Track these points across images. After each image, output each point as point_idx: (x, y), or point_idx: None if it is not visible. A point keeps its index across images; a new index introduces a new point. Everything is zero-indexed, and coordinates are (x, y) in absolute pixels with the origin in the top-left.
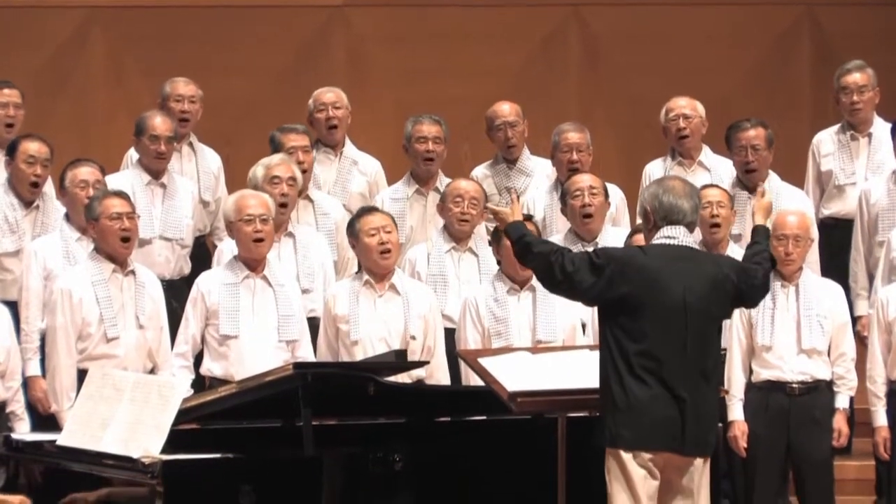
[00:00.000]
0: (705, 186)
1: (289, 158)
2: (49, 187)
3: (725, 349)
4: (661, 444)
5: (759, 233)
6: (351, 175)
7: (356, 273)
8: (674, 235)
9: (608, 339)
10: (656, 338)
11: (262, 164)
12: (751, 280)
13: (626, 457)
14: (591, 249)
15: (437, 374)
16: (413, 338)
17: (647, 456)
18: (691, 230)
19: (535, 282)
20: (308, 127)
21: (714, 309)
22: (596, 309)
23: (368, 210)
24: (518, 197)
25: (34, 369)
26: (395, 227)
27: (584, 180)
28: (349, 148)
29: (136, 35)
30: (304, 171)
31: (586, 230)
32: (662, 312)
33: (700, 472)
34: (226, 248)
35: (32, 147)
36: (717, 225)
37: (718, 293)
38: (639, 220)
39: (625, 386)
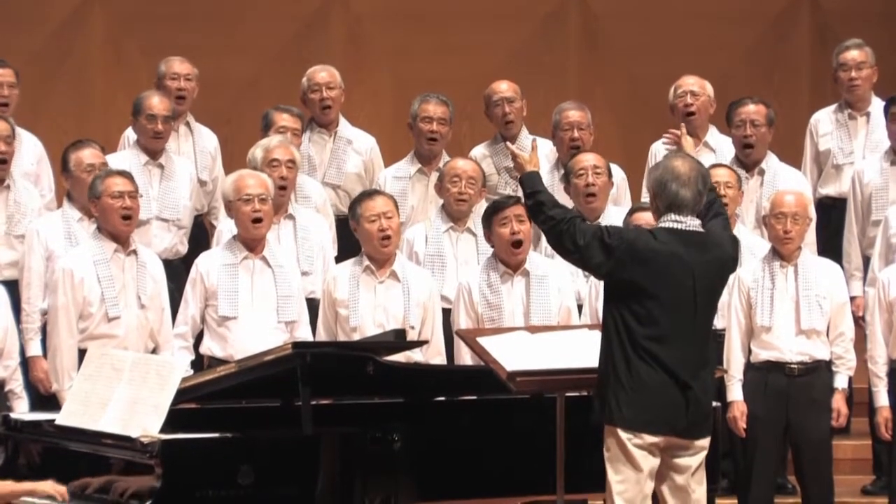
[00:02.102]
0: (713, 166)
1: (287, 140)
2: (27, 166)
3: (724, 329)
4: (663, 428)
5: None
6: (346, 155)
7: (358, 256)
8: (681, 220)
9: (615, 320)
10: (665, 324)
11: (260, 146)
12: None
13: (626, 437)
14: (603, 225)
15: (433, 361)
16: (412, 327)
17: (648, 439)
18: (697, 214)
19: (528, 265)
20: (301, 106)
21: (718, 293)
22: (593, 289)
23: (370, 194)
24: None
25: (35, 349)
26: (396, 211)
27: (588, 160)
28: (343, 127)
29: (136, 15)
30: None
31: (589, 210)
32: (673, 299)
33: (698, 453)
34: (225, 229)
35: None
36: (723, 204)
37: (723, 277)
38: (644, 199)
39: (631, 368)
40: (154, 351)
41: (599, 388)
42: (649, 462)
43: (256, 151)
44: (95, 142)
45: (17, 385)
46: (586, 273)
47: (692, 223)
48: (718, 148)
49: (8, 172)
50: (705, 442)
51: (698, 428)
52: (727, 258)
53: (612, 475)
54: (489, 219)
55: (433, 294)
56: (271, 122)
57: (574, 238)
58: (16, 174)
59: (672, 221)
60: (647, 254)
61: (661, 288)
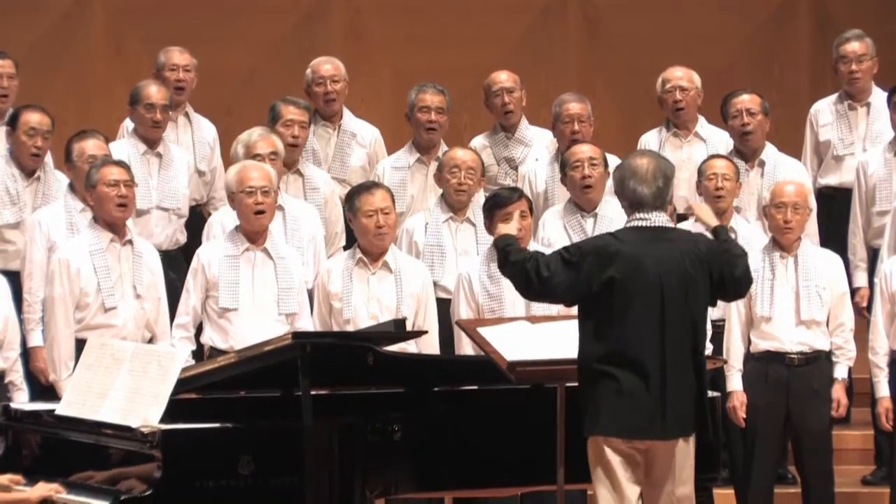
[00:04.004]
0: (712, 157)
1: (268, 132)
2: (50, 158)
3: (723, 320)
4: (641, 432)
5: (720, 232)
6: (350, 149)
7: (351, 249)
8: (646, 217)
9: (587, 326)
10: (634, 324)
11: (241, 141)
12: (731, 268)
13: (606, 444)
14: (562, 248)
15: (427, 352)
16: (405, 318)
17: (627, 444)
18: (664, 209)
19: None
20: (304, 98)
21: (692, 287)
22: None
23: (368, 188)
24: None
25: (37, 340)
26: (393, 206)
27: (584, 151)
28: (347, 120)
29: (136, 5)
30: (296, 146)
31: (586, 201)
32: (639, 298)
33: (683, 451)
34: (216, 221)
35: (34, 119)
36: (720, 197)
37: (696, 271)
38: None
39: (605, 374)
40: (151, 341)
41: (579, 400)
42: (631, 470)
43: (238, 147)
44: (100, 132)
45: (17, 376)
46: None
47: (658, 219)
48: (709, 138)
49: (41, 165)
50: (689, 439)
51: (678, 427)
52: (698, 252)
53: (597, 484)
54: (491, 212)
55: (427, 285)
56: (278, 114)
57: (539, 271)
58: (48, 167)
59: (636, 220)
60: (611, 257)
61: (628, 288)
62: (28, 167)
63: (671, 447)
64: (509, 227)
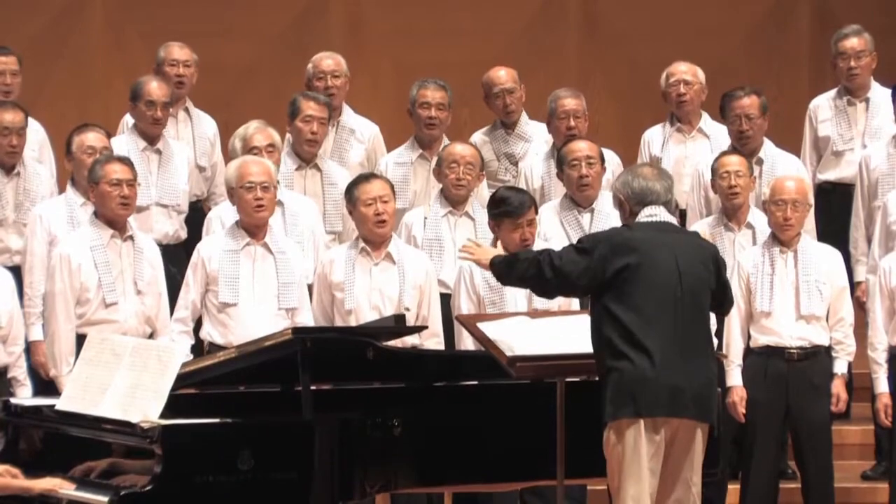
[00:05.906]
0: (724, 154)
1: (264, 125)
2: (51, 156)
3: None
4: (663, 409)
5: None
6: (349, 145)
7: (353, 240)
8: (654, 213)
9: (602, 313)
10: (651, 306)
11: (238, 136)
12: (726, 290)
13: (629, 428)
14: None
15: (430, 343)
16: (407, 309)
17: (649, 424)
18: (669, 210)
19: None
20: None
21: (704, 275)
22: None
23: (367, 177)
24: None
25: (37, 334)
26: (392, 195)
27: (581, 149)
28: (346, 116)
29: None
30: (315, 142)
31: (583, 197)
32: (656, 281)
33: (699, 440)
34: (214, 216)
35: (7, 118)
36: (735, 194)
37: (705, 263)
38: None
39: (624, 357)
40: (151, 336)
41: (600, 387)
42: (648, 455)
43: (235, 141)
44: (101, 126)
45: (20, 372)
46: None
47: (665, 216)
48: (713, 135)
49: (19, 160)
50: (705, 429)
51: (699, 409)
52: (704, 248)
53: (615, 468)
54: (499, 219)
55: (429, 276)
56: (298, 109)
57: (552, 262)
58: (27, 161)
59: (646, 216)
60: (625, 243)
61: (643, 272)
62: (7, 164)
63: (691, 431)
64: (488, 252)
